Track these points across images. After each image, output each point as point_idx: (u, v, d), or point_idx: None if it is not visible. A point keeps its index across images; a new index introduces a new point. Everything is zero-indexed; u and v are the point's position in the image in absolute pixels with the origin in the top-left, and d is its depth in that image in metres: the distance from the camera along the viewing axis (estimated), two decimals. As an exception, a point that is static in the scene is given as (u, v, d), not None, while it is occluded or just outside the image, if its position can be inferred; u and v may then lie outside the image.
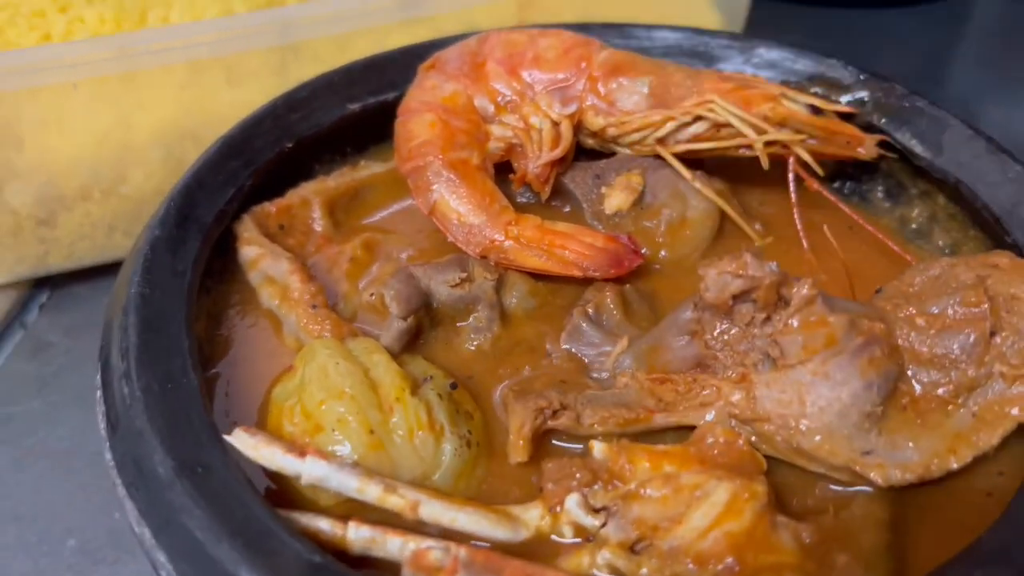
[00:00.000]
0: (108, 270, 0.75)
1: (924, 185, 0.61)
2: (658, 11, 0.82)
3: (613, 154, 0.63)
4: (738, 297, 0.46)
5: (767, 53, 0.67)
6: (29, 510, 0.61)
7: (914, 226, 0.62)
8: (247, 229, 0.58)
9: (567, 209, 0.62)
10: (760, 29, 0.85)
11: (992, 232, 0.56)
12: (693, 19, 0.84)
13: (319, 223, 0.60)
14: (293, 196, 0.61)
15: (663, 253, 0.59)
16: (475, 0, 0.74)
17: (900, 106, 0.62)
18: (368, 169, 0.64)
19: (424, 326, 0.53)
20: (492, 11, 0.77)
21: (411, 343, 0.52)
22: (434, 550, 0.40)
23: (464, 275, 0.53)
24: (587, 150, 0.63)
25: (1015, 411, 0.45)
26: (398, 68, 0.66)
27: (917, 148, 0.60)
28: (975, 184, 0.57)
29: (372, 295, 0.54)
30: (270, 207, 0.60)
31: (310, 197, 0.61)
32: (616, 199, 0.60)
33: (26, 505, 0.62)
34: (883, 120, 0.62)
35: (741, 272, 0.45)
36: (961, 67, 1.13)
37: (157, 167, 0.72)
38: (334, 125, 0.64)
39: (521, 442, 0.47)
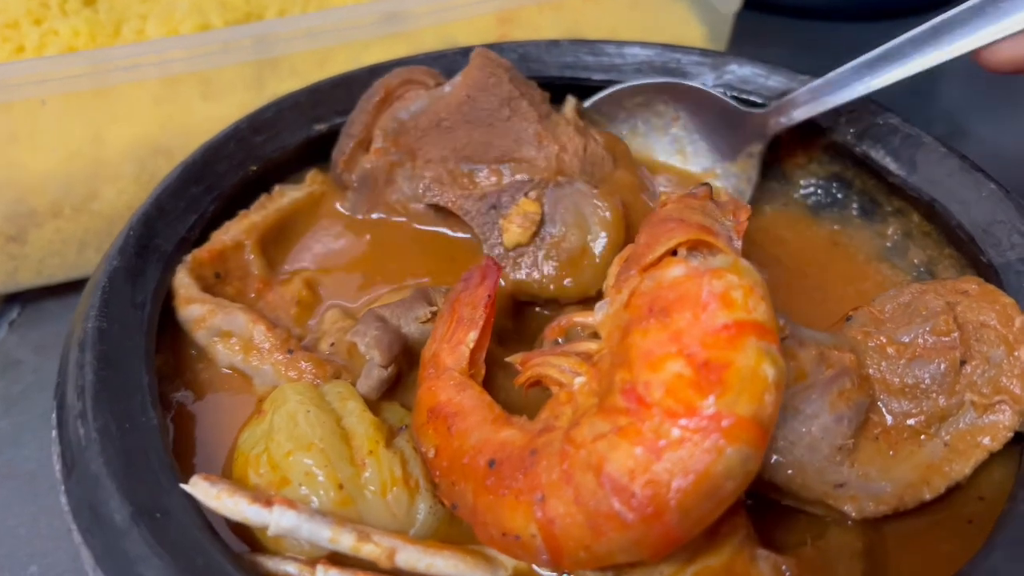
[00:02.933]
0: (80, 286, 0.72)
1: (898, 203, 0.60)
2: (642, 26, 0.82)
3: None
4: None
5: (739, 69, 0.66)
6: (-7, 534, 0.60)
7: (889, 244, 0.61)
8: (183, 285, 0.52)
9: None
10: (745, 43, 0.84)
11: (967, 250, 0.55)
12: (677, 33, 0.84)
13: (255, 264, 0.56)
14: (223, 238, 0.56)
15: (567, 282, 0.53)
16: (454, 15, 0.73)
17: (874, 123, 0.61)
18: (285, 196, 0.60)
19: (404, 370, 0.50)
20: (472, 26, 0.77)
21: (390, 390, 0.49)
22: (405, 592, 0.39)
23: (433, 308, 0.50)
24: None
25: (987, 440, 0.45)
26: (365, 87, 0.63)
27: (891, 166, 0.60)
28: (949, 202, 0.56)
29: (332, 344, 0.50)
30: (202, 254, 0.55)
31: (241, 238, 0.56)
32: (513, 233, 0.53)
33: (-10, 529, 0.60)
34: (857, 137, 0.61)
35: None
36: (948, 81, 1.12)
37: (129, 183, 0.70)
38: (300, 147, 0.62)
39: None
